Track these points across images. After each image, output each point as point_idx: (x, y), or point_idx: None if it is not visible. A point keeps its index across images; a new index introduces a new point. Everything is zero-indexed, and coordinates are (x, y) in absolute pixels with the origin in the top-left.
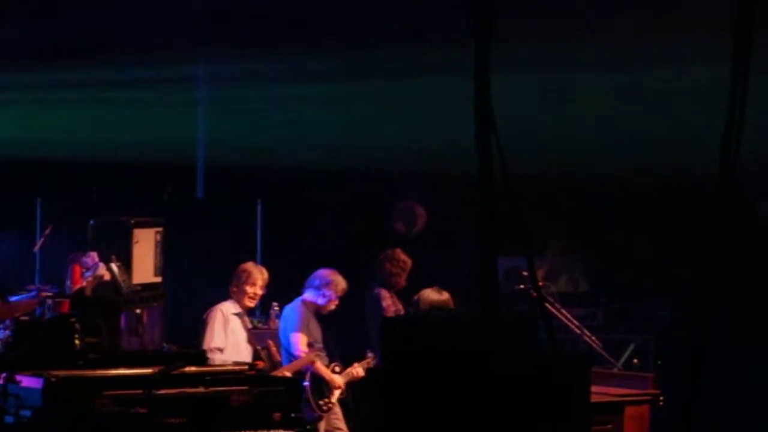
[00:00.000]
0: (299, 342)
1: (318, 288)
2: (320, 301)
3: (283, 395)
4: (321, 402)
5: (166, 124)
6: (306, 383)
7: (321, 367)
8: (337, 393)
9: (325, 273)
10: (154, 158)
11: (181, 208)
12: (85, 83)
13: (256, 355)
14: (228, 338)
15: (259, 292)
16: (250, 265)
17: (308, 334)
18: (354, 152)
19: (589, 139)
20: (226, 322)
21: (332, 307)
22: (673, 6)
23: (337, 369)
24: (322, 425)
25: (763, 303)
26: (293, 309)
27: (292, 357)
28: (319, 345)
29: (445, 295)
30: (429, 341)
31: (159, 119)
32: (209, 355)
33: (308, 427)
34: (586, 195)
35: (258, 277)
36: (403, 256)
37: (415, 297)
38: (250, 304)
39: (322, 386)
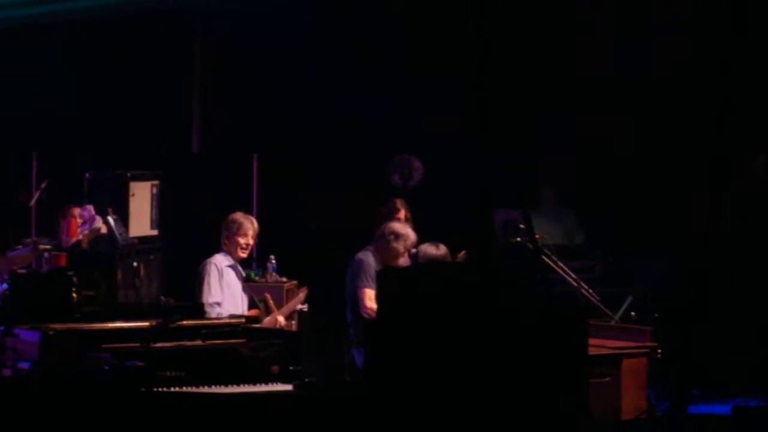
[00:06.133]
0: (366, 297)
1: (387, 242)
2: (389, 253)
3: (281, 348)
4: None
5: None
6: None
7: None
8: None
9: (396, 226)
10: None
11: (177, 161)
12: None
13: (252, 304)
14: (224, 291)
15: (251, 242)
16: (239, 215)
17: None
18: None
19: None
20: (220, 275)
21: (401, 261)
22: None
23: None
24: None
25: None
26: (361, 260)
27: (357, 311)
28: None
29: (442, 250)
30: (426, 294)
31: None
32: (207, 309)
33: (306, 379)
34: (582, 145)
35: (249, 227)
36: (397, 203)
37: (413, 251)
38: (243, 254)
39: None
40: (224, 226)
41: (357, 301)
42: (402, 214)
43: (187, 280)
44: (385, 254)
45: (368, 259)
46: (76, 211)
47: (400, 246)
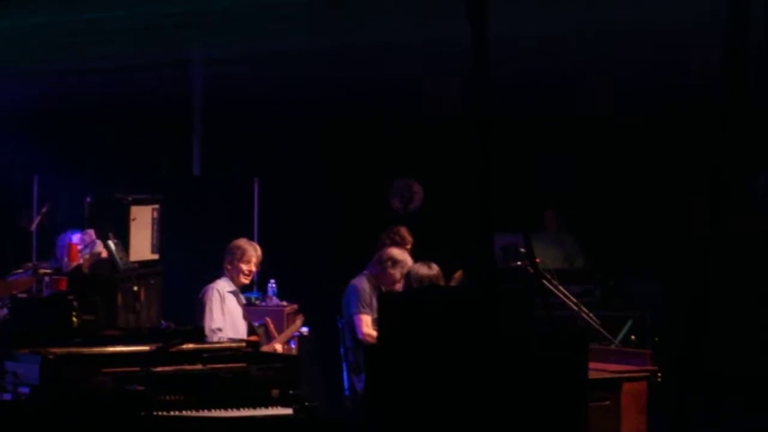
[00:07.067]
0: (363, 324)
1: (384, 267)
2: (386, 279)
3: (281, 372)
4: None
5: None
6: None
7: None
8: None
9: (394, 252)
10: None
11: (178, 184)
12: None
13: (251, 331)
14: (225, 317)
15: (254, 269)
16: (243, 242)
17: (372, 311)
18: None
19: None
20: (222, 301)
21: (397, 287)
22: None
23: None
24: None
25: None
26: (355, 287)
27: (356, 336)
28: None
29: (434, 269)
30: (426, 319)
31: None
32: (209, 335)
33: (306, 403)
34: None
35: (252, 254)
36: (405, 233)
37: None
38: (245, 281)
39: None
40: (228, 251)
41: (354, 328)
42: (410, 245)
43: (187, 304)
44: (382, 280)
45: (362, 284)
46: (76, 237)
47: (397, 272)
